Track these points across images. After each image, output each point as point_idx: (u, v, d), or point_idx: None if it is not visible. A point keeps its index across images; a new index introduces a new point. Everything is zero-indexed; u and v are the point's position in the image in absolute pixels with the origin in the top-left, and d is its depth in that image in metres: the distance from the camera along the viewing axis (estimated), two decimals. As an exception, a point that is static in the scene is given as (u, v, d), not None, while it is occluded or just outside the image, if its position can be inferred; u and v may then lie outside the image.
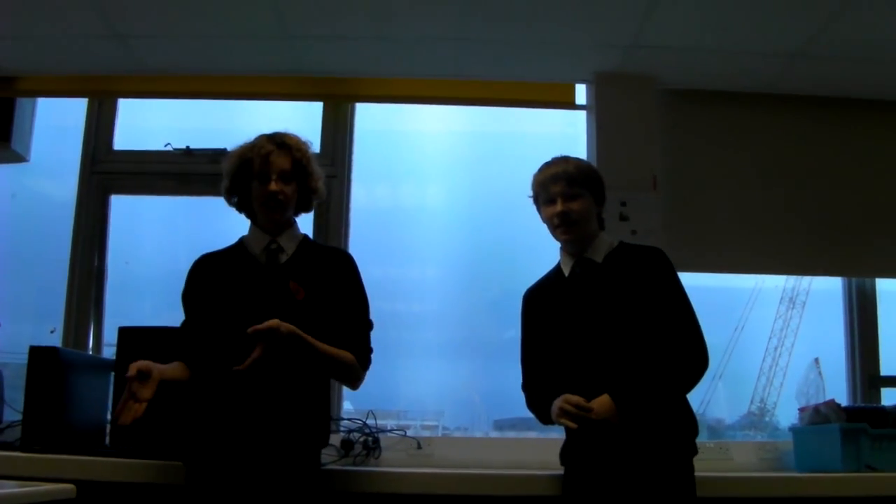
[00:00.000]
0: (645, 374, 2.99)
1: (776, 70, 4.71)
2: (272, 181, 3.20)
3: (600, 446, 3.02)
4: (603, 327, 3.12)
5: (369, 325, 3.39)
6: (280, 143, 3.27)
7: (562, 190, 3.21)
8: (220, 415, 3.05)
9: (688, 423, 3.12)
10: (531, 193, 3.39)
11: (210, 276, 3.24)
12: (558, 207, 3.20)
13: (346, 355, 3.21)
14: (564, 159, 3.31)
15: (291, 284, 3.20)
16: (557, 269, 3.40)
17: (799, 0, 4.04)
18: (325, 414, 3.34)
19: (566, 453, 3.24)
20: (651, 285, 3.14)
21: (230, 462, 3.00)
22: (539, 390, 3.27)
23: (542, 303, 3.39)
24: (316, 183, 3.39)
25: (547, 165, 3.32)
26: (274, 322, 2.95)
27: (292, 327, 2.99)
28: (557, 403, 3.02)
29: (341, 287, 3.34)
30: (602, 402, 2.96)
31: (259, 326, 2.91)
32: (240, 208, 3.37)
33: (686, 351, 3.07)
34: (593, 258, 3.25)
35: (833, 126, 5.02)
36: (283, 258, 3.28)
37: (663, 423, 3.01)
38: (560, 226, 3.23)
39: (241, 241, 3.34)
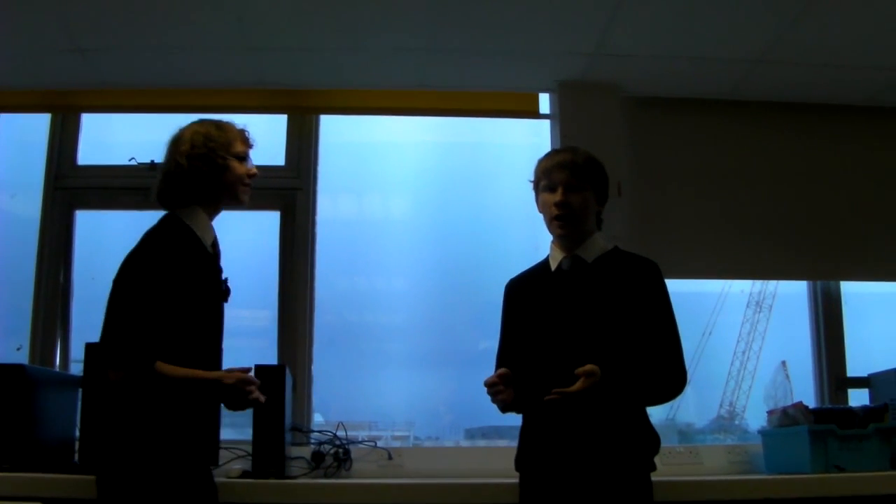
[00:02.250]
0: (624, 372, 2.93)
1: (738, 76, 4.75)
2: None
3: (556, 452, 2.98)
4: (580, 328, 3.04)
5: None
6: (246, 133, 3.32)
7: (565, 179, 3.10)
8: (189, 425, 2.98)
9: (649, 438, 3.06)
10: (532, 178, 3.27)
11: (188, 256, 3.07)
12: (558, 196, 3.10)
13: None
14: (574, 149, 3.22)
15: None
16: (545, 263, 3.29)
17: (759, 6, 4.08)
18: None
19: (521, 459, 3.21)
20: (638, 297, 3.06)
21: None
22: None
23: (523, 294, 3.30)
24: None
25: (555, 152, 3.24)
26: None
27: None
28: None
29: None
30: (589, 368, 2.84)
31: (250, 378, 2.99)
32: (188, 193, 3.17)
33: (665, 368, 3.01)
34: (583, 257, 3.15)
35: (795, 131, 5.07)
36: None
37: (623, 433, 2.97)
38: (557, 217, 3.11)
39: (187, 225, 3.14)
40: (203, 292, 3.10)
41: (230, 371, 3.00)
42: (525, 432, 3.21)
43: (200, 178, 3.15)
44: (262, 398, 2.99)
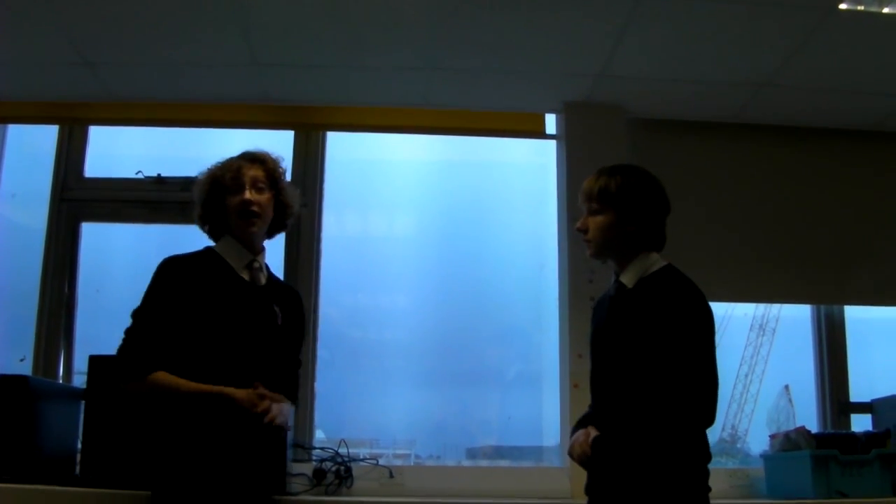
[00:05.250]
0: (631, 416, 2.83)
1: (743, 100, 4.77)
2: (246, 190, 3.16)
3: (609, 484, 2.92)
4: (610, 356, 3.00)
5: (300, 365, 3.43)
6: (250, 157, 3.26)
7: (582, 205, 3.09)
8: (205, 442, 2.94)
9: (682, 473, 2.84)
10: None
11: (189, 281, 3.07)
12: (577, 223, 3.11)
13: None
14: (599, 172, 3.11)
15: (274, 307, 3.21)
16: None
17: (765, 31, 4.10)
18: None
19: (590, 488, 3.05)
20: (654, 323, 2.88)
21: (207, 492, 2.95)
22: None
23: (593, 316, 3.24)
24: (288, 196, 3.35)
25: (589, 176, 3.15)
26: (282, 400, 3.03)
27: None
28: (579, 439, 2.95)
29: (298, 324, 3.39)
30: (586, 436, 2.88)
31: (271, 396, 2.98)
32: (214, 235, 3.27)
33: (669, 403, 2.79)
34: (624, 282, 3.04)
35: (800, 155, 5.09)
36: (262, 279, 3.24)
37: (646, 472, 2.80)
38: (585, 241, 3.11)
39: (214, 251, 3.21)
40: (226, 315, 3.07)
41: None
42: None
43: (207, 211, 3.24)
44: (277, 421, 2.98)
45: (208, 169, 3.28)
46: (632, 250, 3.06)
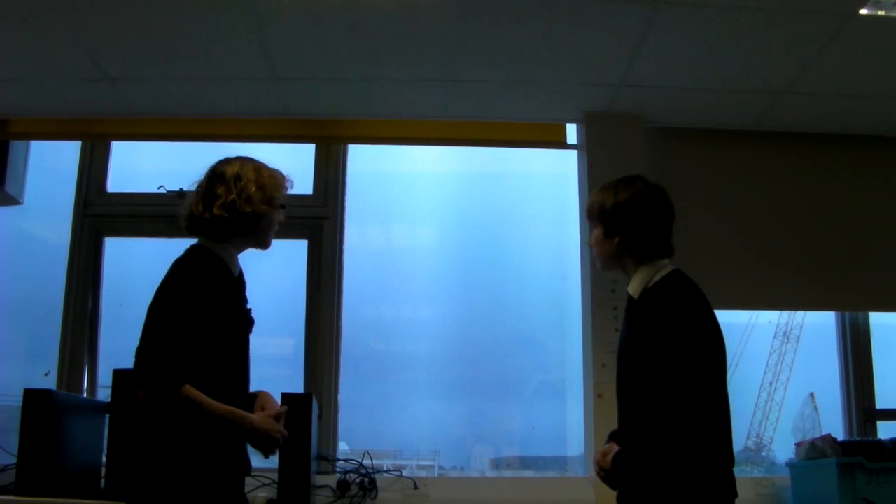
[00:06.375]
0: (644, 435, 2.77)
1: (763, 107, 4.75)
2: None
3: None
4: (619, 367, 3.00)
5: None
6: (287, 177, 3.28)
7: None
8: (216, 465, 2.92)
9: (706, 482, 2.81)
10: None
11: (210, 288, 2.99)
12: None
13: None
14: (596, 190, 3.13)
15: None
16: None
17: (784, 38, 4.08)
18: None
19: (621, 499, 3.03)
20: (640, 343, 2.86)
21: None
22: None
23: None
24: None
25: None
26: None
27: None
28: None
29: None
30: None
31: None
32: (224, 228, 3.08)
33: (647, 436, 2.74)
34: (631, 293, 3.02)
35: (821, 161, 5.06)
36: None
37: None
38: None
39: (212, 252, 3.08)
40: (232, 320, 3.07)
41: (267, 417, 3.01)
42: None
43: (241, 218, 3.07)
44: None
45: (275, 175, 3.19)
46: (628, 260, 3.05)
